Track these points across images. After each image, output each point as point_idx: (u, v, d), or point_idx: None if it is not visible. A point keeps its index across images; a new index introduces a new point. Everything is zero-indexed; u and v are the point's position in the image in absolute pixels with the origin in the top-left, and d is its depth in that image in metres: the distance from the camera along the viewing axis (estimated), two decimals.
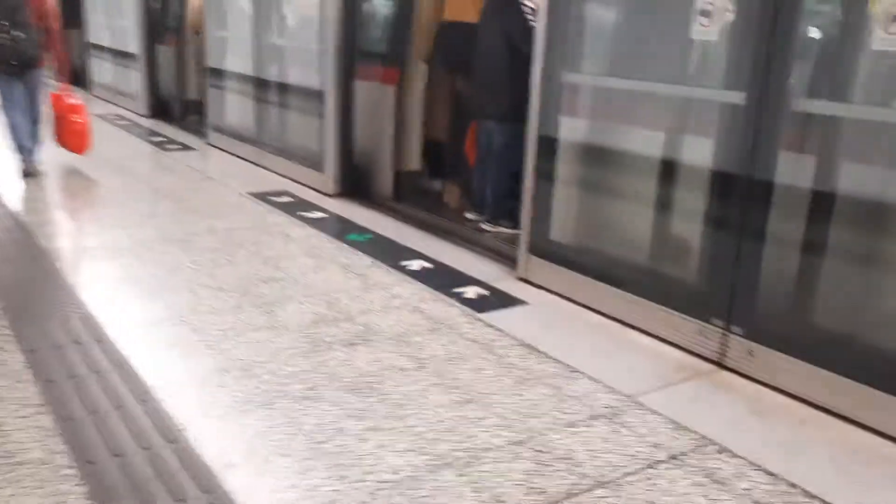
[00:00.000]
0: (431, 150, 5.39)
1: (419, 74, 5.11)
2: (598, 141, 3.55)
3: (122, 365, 2.74)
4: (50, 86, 5.80)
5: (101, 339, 2.95)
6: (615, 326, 3.32)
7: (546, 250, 3.75)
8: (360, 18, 5.24)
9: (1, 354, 2.77)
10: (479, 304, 3.52)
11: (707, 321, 2.97)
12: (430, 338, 3.12)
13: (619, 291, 3.35)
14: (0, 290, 3.38)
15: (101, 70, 10.19)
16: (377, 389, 2.66)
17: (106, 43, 9.89)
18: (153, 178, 5.68)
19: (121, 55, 9.35)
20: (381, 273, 3.88)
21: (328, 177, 5.43)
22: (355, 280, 3.76)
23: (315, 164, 5.55)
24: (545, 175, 3.71)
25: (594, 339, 3.20)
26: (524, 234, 3.85)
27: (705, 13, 2.92)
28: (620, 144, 3.45)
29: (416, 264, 4.03)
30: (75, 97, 5.91)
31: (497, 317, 3.38)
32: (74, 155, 5.75)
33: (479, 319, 3.35)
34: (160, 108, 8.82)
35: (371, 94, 5.26)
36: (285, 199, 5.29)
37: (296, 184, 5.71)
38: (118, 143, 7.08)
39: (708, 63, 3.07)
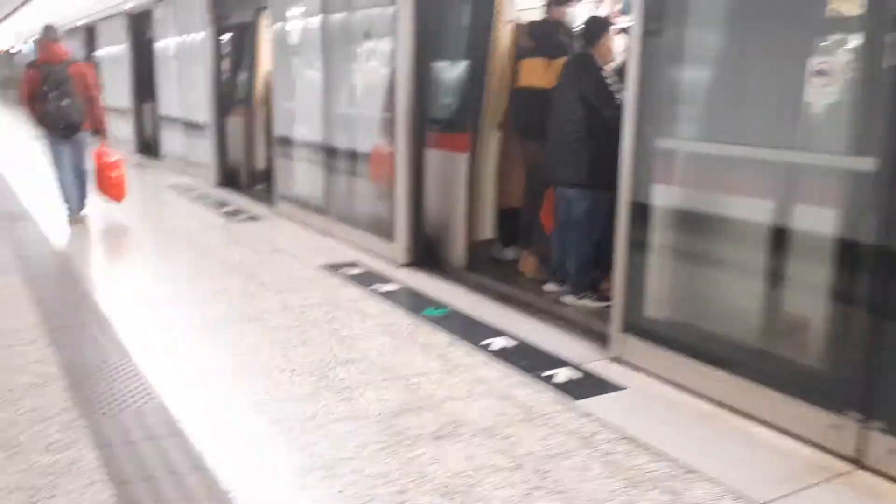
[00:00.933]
0: (505, 218, 5.20)
1: (492, 141, 4.96)
2: (702, 208, 3.29)
3: (199, 464, 2.55)
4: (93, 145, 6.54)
5: (176, 432, 2.78)
6: (728, 416, 3.00)
7: (642, 328, 3.48)
8: (430, 85, 5.16)
9: (73, 451, 2.62)
10: (572, 390, 3.25)
11: (839, 412, 2.64)
12: (523, 430, 2.86)
13: (730, 376, 3.05)
14: (72, 376, 3.26)
15: (172, 141, 10.43)
16: (473, 494, 2.41)
17: (177, 114, 10.13)
18: (223, 250, 5.63)
19: (191, 126, 9.55)
20: (462, 353, 3.65)
21: (399, 246, 5.29)
22: (435, 361, 3.54)
23: (385, 233, 5.42)
24: (639, 245, 3.46)
25: (706, 432, 2.89)
26: (617, 309, 3.58)
27: (822, 73, 2.68)
28: (728, 212, 3.18)
29: (497, 342, 3.80)
30: (114, 154, 6.64)
31: (594, 404, 3.10)
32: (146, 227, 5.81)
33: (575, 407, 3.07)
34: (229, 177, 8.92)
35: (443, 161, 5.13)
36: (356, 270, 5.15)
37: (366, 254, 5.58)
38: (188, 215, 7.11)
39: (826, 127, 2.81)
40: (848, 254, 2.66)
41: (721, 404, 3.06)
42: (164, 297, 4.48)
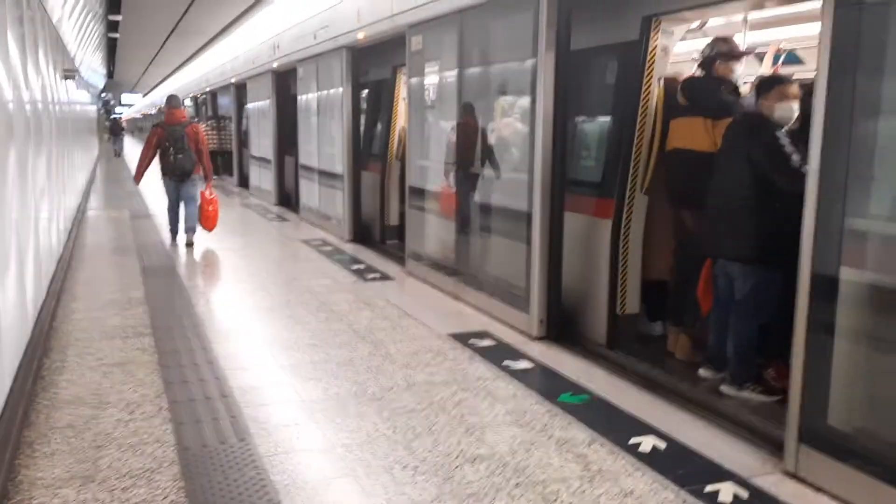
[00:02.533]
0: (650, 291, 4.72)
1: (639, 207, 4.52)
2: None
3: None
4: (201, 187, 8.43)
5: None
6: None
7: (826, 437, 2.91)
8: (571, 144, 4.81)
9: None
10: None
11: None
12: None
13: None
14: (187, 461, 3.09)
15: (310, 195, 10.63)
16: None
17: (314, 167, 10.33)
18: (352, 314, 5.46)
19: (327, 179, 9.68)
20: (604, 454, 3.20)
21: (533, 317, 4.90)
22: (574, 464, 3.11)
23: (518, 302, 5.06)
24: (824, 333, 2.90)
25: None
26: (793, 411, 3.03)
27: None
28: None
29: (646, 442, 3.31)
30: (213, 194, 8.59)
31: None
32: (278, 286, 5.78)
33: None
34: (362, 233, 8.91)
35: (584, 226, 4.74)
36: (486, 342, 4.81)
37: (497, 322, 5.24)
38: (320, 273, 7.07)
39: None
40: None
41: None
42: (289, 365, 4.32)
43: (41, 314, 4.70)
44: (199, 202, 8.41)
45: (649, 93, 4.42)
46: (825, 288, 2.88)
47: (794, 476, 2.99)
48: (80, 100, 14.12)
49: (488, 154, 5.60)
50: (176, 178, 8.30)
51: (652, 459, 3.15)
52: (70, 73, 9.71)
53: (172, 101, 8.65)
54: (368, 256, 7.93)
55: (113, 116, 39.42)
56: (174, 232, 8.58)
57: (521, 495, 2.85)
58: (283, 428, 3.47)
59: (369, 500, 2.80)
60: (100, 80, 24.82)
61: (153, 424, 3.45)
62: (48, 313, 5.06)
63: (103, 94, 35.57)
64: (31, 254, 4.46)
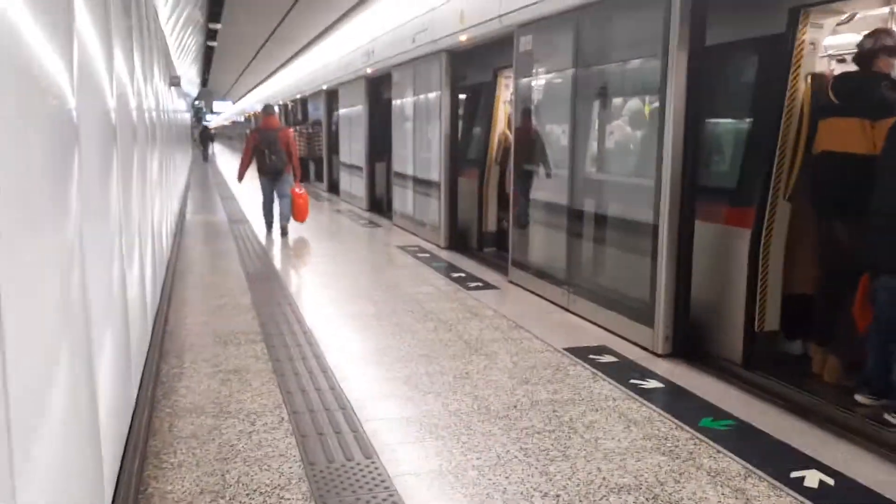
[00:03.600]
0: (791, 306, 4.34)
1: (781, 215, 4.16)
2: None
3: None
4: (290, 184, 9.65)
5: None
6: None
7: None
8: (704, 149, 4.48)
9: None
10: None
11: None
12: None
13: None
14: (317, 487, 2.95)
15: (404, 201, 10.55)
16: None
17: (409, 173, 10.24)
18: (460, 325, 5.27)
19: (423, 185, 9.56)
20: (765, 489, 2.89)
21: (658, 333, 4.59)
22: (733, 499, 2.81)
23: (642, 315, 4.75)
24: None
25: None
26: None
27: None
28: None
29: (811, 477, 2.98)
30: (303, 190, 9.77)
31: None
32: (380, 294, 5.66)
33: None
34: (458, 240, 8.74)
35: (718, 236, 4.41)
36: (607, 358, 4.53)
37: (615, 337, 4.95)
38: (420, 280, 6.93)
39: None
40: None
41: None
42: (404, 377, 4.16)
43: (157, 318, 4.69)
44: (290, 197, 9.53)
45: (795, 91, 4.06)
46: None
47: None
48: (179, 107, 14.53)
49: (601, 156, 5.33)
50: (270, 177, 9.54)
51: (822, 497, 2.83)
52: (176, 81, 9.94)
53: (267, 109, 10.24)
54: (467, 264, 7.74)
55: (203, 124, 40.76)
56: (269, 224, 9.74)
57: None
58: (409, 445, 3.29)
59: None
60: (194, 89, 25.64)
61: (276, 437, 3.33)
62: (162, 317, 5.07)
63: (196, 102, 36.82)
64: (149, 257, 4.45)
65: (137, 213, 3.89)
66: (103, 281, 2.40)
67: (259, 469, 3.02)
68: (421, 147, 9.72)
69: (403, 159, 10.57)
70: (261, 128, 9.80)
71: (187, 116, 21.29)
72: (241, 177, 9.91)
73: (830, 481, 2.96)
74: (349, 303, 6.02)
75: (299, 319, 5.37)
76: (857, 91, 3.89)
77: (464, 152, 8.91)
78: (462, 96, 9.01)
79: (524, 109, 6.60)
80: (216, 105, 43.56)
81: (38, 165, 1.53)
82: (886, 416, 3.49)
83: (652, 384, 4.09)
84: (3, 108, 1.25)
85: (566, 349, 4.70)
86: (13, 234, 1.26)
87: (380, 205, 12.62)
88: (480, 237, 8.61)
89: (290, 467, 3.04)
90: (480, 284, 6.72)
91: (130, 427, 2.88)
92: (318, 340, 4.83)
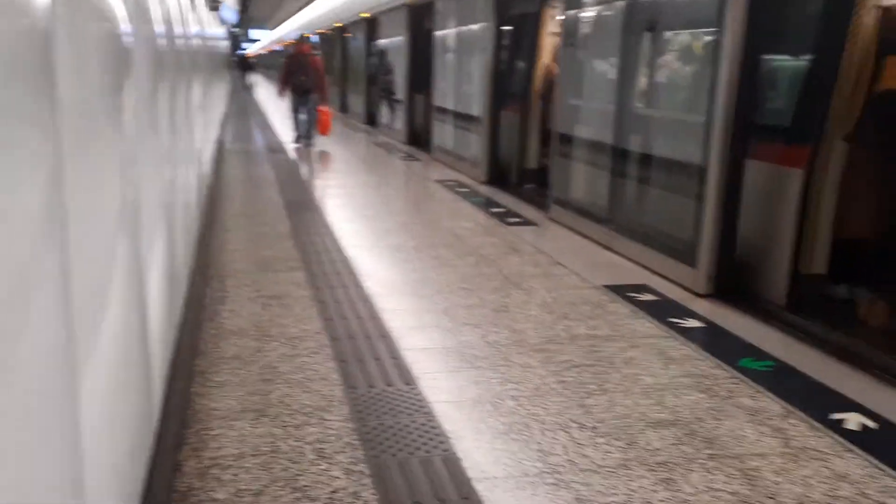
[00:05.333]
0: (841, 249, 4.23)
1: (838, 156, 4.02)
2: None
3: None
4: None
5: (469, 495, 2.38)
6: None
7: None
8: (761, 85, 4.32)
9: None
10: None
11: None
12: None
13: None
14: (357, 410, 3.01)
15: (443, 135, 10.44)
16: None
17: (450, 107, 10.10)
18: (500, 259, 5.26)
19: (463, 119, 9.44)
20: (804, 430, 2.87)
21: (701, 272, 4.53)
22: (772, 439, 2.80)
23: (684, 255, 4.69)
24: None
25: None
26: None
27: None
28: None
29: (852, 420, 2.95)
30: (327, 109, 11.95)
31: None
32: (419, 228, 5.65)
33: None
34: (498, 175, 8.65)
35: (768, 176, 4.29)
36: (646, 296, 4.50)
37: (655, 276, 4.90)
38: (459, 215, 6.91)
39: None
40: None
41: None
42: (443, 308, 4.18)
43: (200, 243, 4.76)
44: (316, 113, 11.56)
45: (860, 25, 3.87)
46: None
47: None
48: (218, 33, 14.46)
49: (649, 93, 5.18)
50: (300, 93, 11.49)
51: (863, 440, 2.80)
52: (215, 4, 9.84)
53: (301, 38, 12.30)
54: (506, 200, 7.68)
55: (239, 52, 40.47)
56: (298, 131, 11.79)
57: (718, 468, 2.58)
58: (448, 374, 3.33)
59: (549, 459, 2.62)
60: (232, 15, 25.39)
61: (317, 361, 3.39)
62: (205, 242, 5.14)
63: (234, 29, 36.55)
64: (194, 180, 4.49)
65: (182, 135, 3.90)
66: (152, 197, 2.42)
67: (301, 391, 3.09)
68: (462, 80, 9.55)
69: (444, 93, 10.41)
70: (295, 52, 11.89)
71: (226, 43, 21.16)
72: (281, 92, 11.99)
73: (873, 425, 2.93)
74: (388, 234, 6.04)
75: (338, 249, 5.40)
76: None
77: (506, 86, 8.73)
78: (506, 27, 8.78)
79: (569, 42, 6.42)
80: (252, 33, 43.16)
81: (98, 83, 1.55)
82: None
83: (692, 323, 4.06)
84: (73, 33, 1.27)
85: (606, 286, 4.67)
86: (79, 141, 1.27)
87: (418, 139, 12.52)
88: (521, 173, 8.51)
89: (332, 390, 3.10)
90: (520, 220, 6.68)
91: (178, 346, 2.95)
92: (358, 270, 4.87)
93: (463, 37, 9.44)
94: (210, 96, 9.02)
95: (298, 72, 11.32)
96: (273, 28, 41.30)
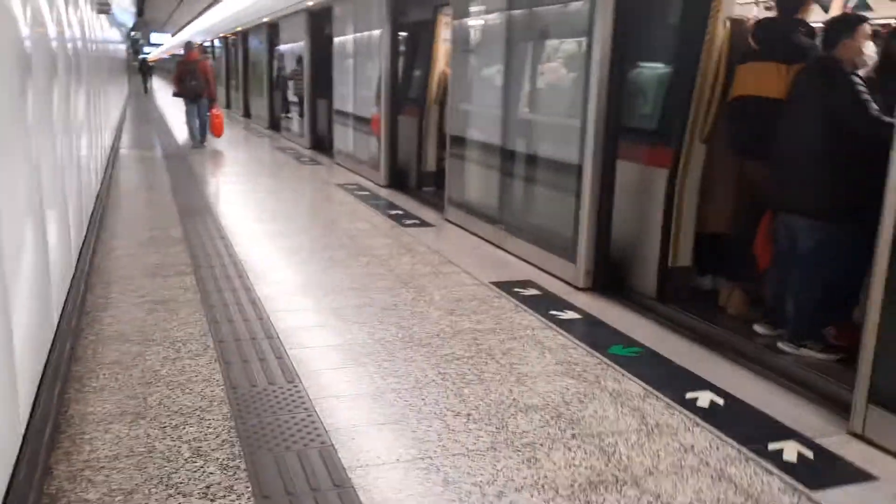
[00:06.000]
0: (704, 244, 4.56)
1: (698, 156, 4.34)
2: None
3: None
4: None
5: (342, 483, 2.48)
6: None
7: (894, 399, 2.79)
8: (628, 90, 4.60)
9: (229, 501, 2.37)
10: (805, 475, 2.63)
11: None
12: None
13: None
14: (238, 409, 3.06)
15: (345, 139, 10.49)
16: None
17: (350, 111, 10.16)
18: (392, 260, 5.38)
19: (364, 123, 9.52)
20: (661, 409, 3.11)
21: (580, 268, 4.78)
22: (630, 417, 3.03)
23: (565, 251, 4.93)
24: None
25: None
26: (864, 372, 2.90)
27: None
28: None
29: (704, 398, 3.22)
30: (219, 111, 12.54)
31: (837, 500, 2.49)
32: (318, 230, 5.68)
33: (813, 501, 2.46)
34: (398, 178, 8.77)
35: (637, 176, 4.57)
36: (531, 291, 4.71)
37: (541, 272, 5.13)
38: (358, 217, 6.99)
39: None
40: None
41: None
42: (332, 308, 4.26)
43: (83, 250, 4.67)
44: (209, 116, 12.11)
45: (714, 36, 4.19)
46: None
47: (860, 437, 2.88)
48: (112, 38, 13.99)
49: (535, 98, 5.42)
50: (191, 97, 12.08)
51: (710, 416, 3.06)
52: (104, 7, 9.54)
53: (188, 45, 12.88)
54: (405, 202, 7.82)
55: (141, 56, 39.24)
56: (193, 136, 12.35)
57: (578, 446, 2.78)
58: (331, 371, 3.42)
59: (423, 445, 2.75)
60: (129, 18, 24.59)
61: (200, 363, 3.42)
62: (89, 249, 5.03)
63: (132, 33, 35.36)
64: (74, 189, 4.40)
65: (60, 146, 3.83)
66: (15, 203, 2.41)
67: (181, 392, 3.11)
68: (361, 85, 9.63)
69: (344, 97, 10.47)
70: (185, 59, 12.50)
71: (122, 47, 20.46)
72: (175, 94, 12.49)
73: (721, 401, 3.20)
74: (283, 238, 6.06)
75: (231, 253, 5.39)
76: (773, 36, 4.02)
77: (404, 91, 8.87)
78: (403, 34, 8.93)
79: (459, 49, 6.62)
80: (154, 37, 41.89)
81: None
82: (780, 345, 3.76)
83: (570, 315, 4.29)
84: None
85: (493, 283, 4.86)
86: None
87: (322, 143, 12.51)
88: (420, 176, 8.66)
89: (213, 391, 3.14)
90: (417, 222, 6.82)
91: (51, 352, 2.93)
92: (250, 273, 4.89)
93: (361, 42, 9.53)
94: (104, 101, 8.77)
95: (188, 77, 12.00)
96: (174, 33, 40.19)
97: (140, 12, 23.56)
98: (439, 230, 6.57)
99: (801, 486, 2.55)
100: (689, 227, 4.44)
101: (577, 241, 4.79)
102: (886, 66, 3.70)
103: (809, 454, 2.78)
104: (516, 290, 4.73)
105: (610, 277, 4.75)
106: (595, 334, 4.03)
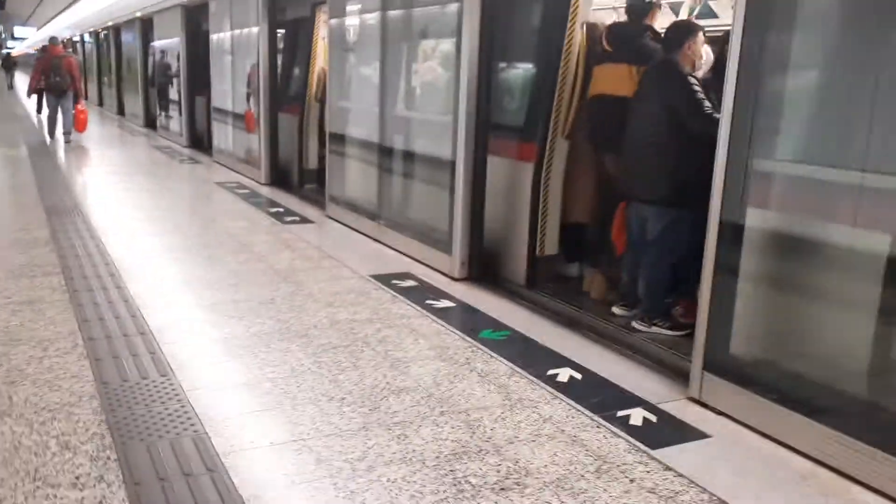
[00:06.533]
0: (570, 233, 4.86)
1: (561, 151, 4.63)
2: (801, 235, 2.93)
3: (237, 500, 2.31)
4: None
5: (214, 467, 2.54)
6: (829, 477, 2.64)
7: (728, 366, 3.12)
8: (496, 88, 4.84)
9: (100, 489, 2.39)
10: (649, 436, 2.92)
11: None
12: (597, 485, 2.54)
13: (830, 431, 2.68)
14: (108, 403, 3.04)
15: (224, 137, 10.31)
16: None
17: (229, 109, 10.01)
18: (272, 255, 5.40)
19: (243, 120, 9.41)
20: (524, 385, 3.34)
21: (456, 259, 4.99)
22: (496, 394, 3.24)
23: (442, 244, 5.12)
24: (728, 273, 3.10)
25: (807, 499, 2.53)
26: (698, 343, 3.23)
27: None
28: (832, 241, 2.82)
29: (563, 374, 3.48)
30: (84, 106, 12.36)
31: (675, 456, 2.77)
32: (195, 229, 5.62)
33: (654, 458, 2.74)
34: (279, 176, 8.74)
35: (507, 170, 4.82)
36: (409, 283, 4.87)
37: (419, 265, 5.30)
38: (238, 216, 6.94)
39: None
40: None
41: (821, 463, 2.70)
42: (210, 304, 4.27)
43: None
44: (73, 112, 11.83)
45: (572, 38, 4.49)
46: (732, 223, 3.06)
47: (697, 401, 3.21)
48: None
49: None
50: (56, 94, 11.75)
51: (568, 389, 3.31)
52: None
53: (53, 40, 12.65)
54: (287, 200, 7.81)
55: (5, 51, 36.78)
56: (52, 132, 12.15)
57: (446, 422, 2.95)
58: (207, 364, 3.45)
59: (297, 429, 2.84)
60: None
61: (69, 361, 3.36)
62: None
63: None
64: None
65: None
66: None
67: (49, 389, 3.06)
68: (240, 82, 9.52)
69: (223, 94, 10.29)
70: (49, 54, 11.97)
71: None
72: (30, 92, 12.66)
73: (579, 376, 3.47)
74: (160, 236, 5.95)
75: (102, 252, 5.26)
76: (623, 39, 4.37)
77: (284, 88, 8.85)
78: (281, 31, 8.89)
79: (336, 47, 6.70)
80: (18, 31, 39.35)
81: None
82: (634, 324, 4.08)
83: (445, 304, 4.47)
84: None
85: (372, 276, 4.98)
86: None
87: (201, 141, 12.22)
88: (301, 174, 8.66)
89: (82, 386, 3.11)
90: (298, 219, 6.85)
91: None
92: (123, 272, 4.79)
93: (238, 39, 9.41)
94: None
95: (52, 73, 11.70)
96: (40, 27, 37.89)
97: (1, 5, 22.09)
98: (320, 226, 6.63)
99: (643, 446, 2.82)
100: (555, 218, 4.72)
101: (453, 234, 4.99)
102: (721, 68, 4.09)
103: (653, 418, 3.07)
104: (394, 282, 4.88)
105: (484, 268, 4.98)
106: (467, 321, 4.23)
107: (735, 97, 3.00)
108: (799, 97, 2.97)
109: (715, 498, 2.49)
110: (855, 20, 2.83)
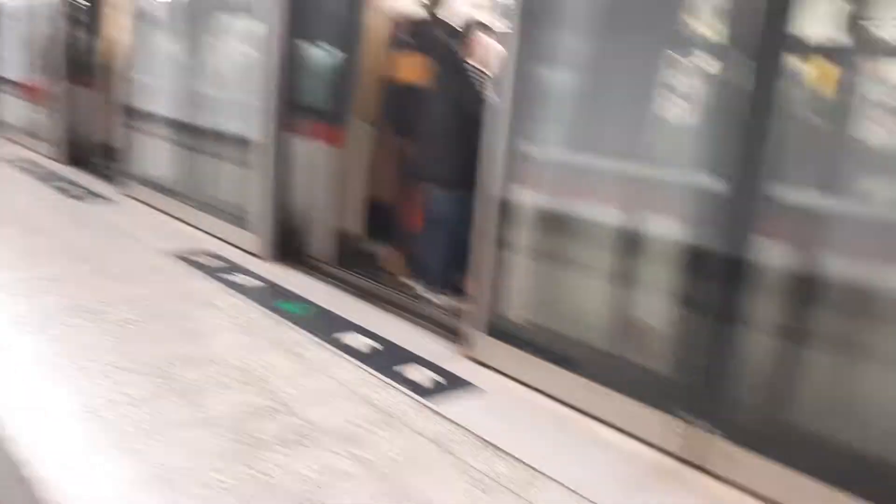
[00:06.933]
0: (374, 213, 5.12)
1: (362, 135, 4.86)
2: (555, 211, 3.36)
3: (22, 476, 2.32)
4: None
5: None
6: (579, 419, 3.09)
7: (497, 328, 3.52)
8: (301, 70, 4.95)
9: None
10: (428, 390, 3.24)
11: (673, 413, 2.78)
12: (382, 436, 2.80)
13: (581, 379, 3.14)
14: None
15: (14, 110, 9.53)
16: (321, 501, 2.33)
17: (17, 79, 9.27)
18: (64, 234, 5.18)
19: (37, 94, 8.77)
20: (319, 351, 3.55)
21: (260, 237, 5.08)
22: (292, 360, 3.42)
23: (246, 223, 5.19)
24: (495, 244, 3.49)
25: (559, 436, 2.96)
26: (472, 308, 3.61)
27: (674, 90, 2.79)
28: (581, 216, 3.27)
29: (357, 340, 3.72)
30: None
31: (450, 406, 3.10)
32: None
33: (430, 408, 3.06)
34: (78, 154, 8.24)
35: (311, 152, 4.97)
36: (213, 262, 4.89)
37: (224, 244, 5.31)
38: (28, 194, 6.53)
39: (674, 144, 2.93)
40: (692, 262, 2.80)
41: (573, 407, 3.15)
42: None
43: None
44: None
45: (370, 25, 4.71)
46: (497, 202, 3.45)
47: (472, 359, 3.58)
48: None
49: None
50: None
51: (362, 354, 3.56)
52: None
53: None
54: (84, 178, 7.42)
55: None
56: None
57: (243, 389, 3.09)
58: None
59: (90, 400, 2.85)
60: None
61: None
62: None
63: None
64: None
65: None
66: None
67: None
68: (23, 48, 8.84)
69: (10, 62, 9.50)
70: None
71: None
72: None
73: (372, 341, 3.72)
74: None
75: None
76: (419, 32, 4.68)
77: (82, 59, 8.33)
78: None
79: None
80: None
81: None
82: (425, 295, 4.42)
83: (247, 280, 4.56)
84: None
85: (172, 253, 4.94)
86: None
87: None
88: (104, 151, 8.21)
89: None
90: (94, 197, 6.55)
91: None
92: None
93: (21, 4, 8.74)
94: None
95: None
96: None
97: None
98: (119, 205, 6.40)
99: (423, 400, 3.13)
100: (357, 197, 4.95)
101: (260, 213, 5.07)
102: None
103: (434, 375, 3.40)
104: (195, 259, 4.88)
105: (289, 246, 5.10)
106: (269, 296, 4.35)
107: (502, 85, 3.38)
108: (557, 89, 3.40)
109: (484, 440, 2.83)
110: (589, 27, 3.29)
